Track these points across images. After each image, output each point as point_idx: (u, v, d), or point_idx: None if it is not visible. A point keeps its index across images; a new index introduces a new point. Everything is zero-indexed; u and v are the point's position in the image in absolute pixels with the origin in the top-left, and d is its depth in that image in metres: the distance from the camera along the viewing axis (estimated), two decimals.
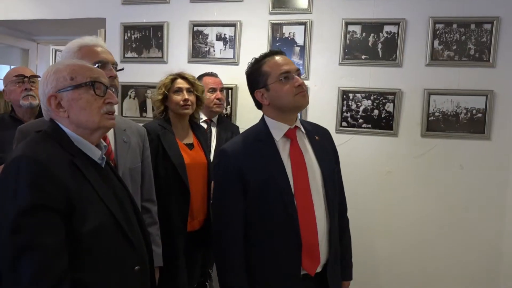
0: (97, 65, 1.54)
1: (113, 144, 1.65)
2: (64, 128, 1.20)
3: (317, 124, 1.74)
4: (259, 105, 1.61)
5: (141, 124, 2.01)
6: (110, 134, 1.66)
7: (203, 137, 2.32)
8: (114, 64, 1.64)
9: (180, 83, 2.19)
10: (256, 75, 1.55)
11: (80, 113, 1.18)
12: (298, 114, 1.63)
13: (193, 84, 2.22)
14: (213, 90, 2.58)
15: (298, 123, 1.59)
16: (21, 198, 1.02)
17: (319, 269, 1.51)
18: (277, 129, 1.54)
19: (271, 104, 1.54)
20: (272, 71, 1.51)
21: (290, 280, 1.47)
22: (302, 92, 1.50)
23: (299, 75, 1.54)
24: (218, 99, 2.58)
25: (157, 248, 1.80)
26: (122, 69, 1.74)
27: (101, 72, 1.27)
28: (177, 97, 2.18)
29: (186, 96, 2.16)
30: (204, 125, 2.56)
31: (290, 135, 1.55)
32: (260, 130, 1.57)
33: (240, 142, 1.56)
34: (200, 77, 2.62)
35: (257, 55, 2.89)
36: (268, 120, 1.57)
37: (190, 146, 2.20)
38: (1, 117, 2.38)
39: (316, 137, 1.62)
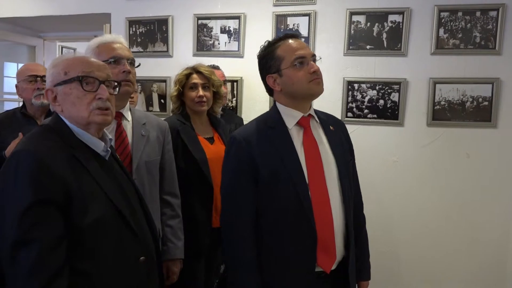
0: (111, 60, 1.57)
1: (130, 137, 1.67)
2: (66, 121, 1.21)
3: (332, 115, 1.67)
4: (270, 91, 1.52)
5: None
6: (128, 127, 1.69)
7: (223, 130, 2.26)
8: (130, 60, 1.65)
9: (195, 78, 2.14)
10: (269, 59, 1.45)
11: (71, 108, 1.19)
12: (312, 102, 1.54)
13: (209, 79, 2.16)
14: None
15: (312, 112, 1.51)
16: (20, 195, 1.03)
17: (334, 267, 1.42)
18: (290, 116, 1.46)
19: (283, 90, 1.45)
20: (286, 55, 1.41)
21: (304, 277, 1.38)
22: (317, 79, 1.42)
23: (314, 60, 1.45)
24: (199, 96, 2.55)
25: (178, 241, 1.81)
26: (139, 65, 1.75)
27: (97, 65, 1.23)
28: (192, 94, 2.14)
29: (201, 93, 2.11)
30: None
31: (303, 123, 1.46)
32: (272, 117, 1.48)
33: (251, 129, 1.48)
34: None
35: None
36: (280, 107, 1.48)
37: (211, 140, 2.15)
38: (13, 113, 2.41)
39: (331, 127, 1.54)
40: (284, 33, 1.51)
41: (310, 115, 1.50)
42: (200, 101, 2.13)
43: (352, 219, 1.49)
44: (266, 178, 1.39)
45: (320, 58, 1.52)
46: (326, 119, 1.57)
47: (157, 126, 1.80)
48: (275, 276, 1.40)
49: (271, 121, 1.47)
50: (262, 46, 1.51)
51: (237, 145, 1.44)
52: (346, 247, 1.45)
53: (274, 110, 1.50)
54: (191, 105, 2.16)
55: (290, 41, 1.45)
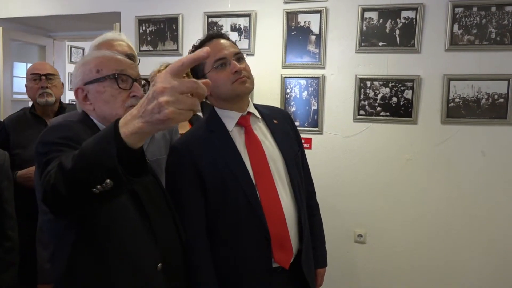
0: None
1: None
2: (94, 120, 1.20)
3: (275, 107, 1.65)
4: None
5: None
6: None
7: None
8: (128, 55, 1.62)
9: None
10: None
11: (104, 106, 1.18)
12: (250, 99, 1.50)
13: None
14: None
15: (251, 109, 1.47)
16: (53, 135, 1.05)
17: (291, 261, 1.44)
18: (229, 118, 1.43)
19: (212, 94, 1.42)
20: (207, 58, 1.43)
21: (261, 275, 1.38)
22: (239, 78, 1.37)
23: (239, 59, 1.40)
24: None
25: None
26: (139, 61, 1.75)
27: (129, 63, 1.23)
28: None
29: None
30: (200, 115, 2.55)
31: (243, 123, 1.44)
32: (212, 121, 1.45)
33: (191, 136, 1.45)
34: None
35: (272, 45, 2.88)
36: (218, 110, 1.45)
37: None
38: (23, 113, 2.41)
39: (275, 121, 1.52)
40: (208, 34, 1.47)
41: (249, 113, 1.46)
42: None
43: (305, 210, 1.49)
44: (213, 184, 1.37)
45: (247, 55, 1.48)
46: (269, 113, 1.54)
47: None
48: (233, 278, 1.39)
49: (211, 125, 1.44)
50: (189, 51, 1.47)
51: (178, 155, 1.40)
52: (301, 241, 1.45)
53: (213, 114, 1.47)
54: None
55: (214, 41, 1.41)
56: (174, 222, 1.28)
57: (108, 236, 1.08)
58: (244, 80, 1.39)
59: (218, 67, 1.38)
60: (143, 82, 1.26)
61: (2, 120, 2.48)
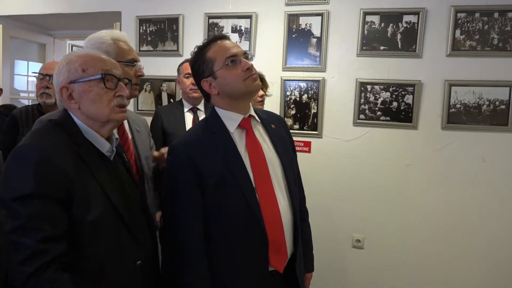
0: (131, 62, 1.55)
1: (129, 134, 1.66)
2: (75, 119, 1.20)
3: (271, 111, 1.66)
4: (207, 97, 1.48)
5: None
6: (126, 125, 1.67)
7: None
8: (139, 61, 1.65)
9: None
10: (201, 64, 1.41)
11: (90, 105, 1.17)
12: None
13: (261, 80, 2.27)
14: (190, 75, 2.50)
15: (252, 112, 1.48)
16: (21, 185, 1.02)
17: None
18: (231, 120, 1.42)
19: (220, 93, 1.40)
20: (218, 56, 1.38)
21: (257, 278, 1.38)
22: (251, 75, 1.38)
23: (247, 58, 1.42)
24: (193, 83, 2.53)
25: None
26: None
27: (114, 64, 1.24)
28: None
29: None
30: (190, 115, 2.55)
31: (245, 125, 1.43)
32: (213, 122, 1.44)
33: (192, 136, 1.43)
34: (180, 64, 2.60)
35: (272, 47, 2.87)
36: (220, 111, 1.44)
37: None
38: (31, 109, 2.42)
39: (272, 125, 1.53)
40: (214, 36, 1.47)
41: (250, 115, 1.46)
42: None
43: (299, 216, 1.49)
44: (212, 186, 1.36)
45: (253, 56, 1.50)
46: (266, 118, 1.55)
47: (141, 122, 1.82)
48: (228, 281, 1.38)
49: (212, 126, 1.43)
50: (191, 53, 1.47)
51: (177, 155, 1.39)
52: (295, 245, 1.46)
53: (214, 115, 1.45)
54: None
55: (220, 42, 1.41)
56: (147, 221, 1.31)
57: (91, 238, 1.10)
58: (255, 77, 1.40)
59: (229, 64, 1.37)
60: (126, 81, 1.27)
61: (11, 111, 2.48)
